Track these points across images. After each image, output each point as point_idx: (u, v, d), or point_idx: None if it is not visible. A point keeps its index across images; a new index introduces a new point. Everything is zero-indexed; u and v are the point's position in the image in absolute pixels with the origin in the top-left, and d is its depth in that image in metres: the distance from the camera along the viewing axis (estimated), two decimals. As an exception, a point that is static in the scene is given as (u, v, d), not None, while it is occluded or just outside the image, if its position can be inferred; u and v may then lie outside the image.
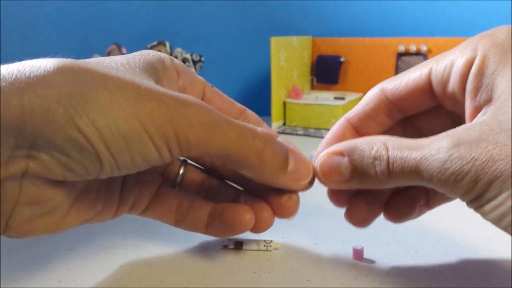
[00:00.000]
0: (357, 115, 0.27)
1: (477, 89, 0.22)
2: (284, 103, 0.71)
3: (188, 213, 0.27)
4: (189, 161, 0.30)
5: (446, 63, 0.24)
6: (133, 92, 0.20)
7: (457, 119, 0.26)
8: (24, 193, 0.20)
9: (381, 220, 0.27)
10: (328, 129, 0.71)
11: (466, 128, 0.20)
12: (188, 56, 0.71)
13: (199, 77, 0.28)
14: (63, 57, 0.21)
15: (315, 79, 0.80)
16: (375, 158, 0.22)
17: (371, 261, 0.28)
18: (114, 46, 0.69)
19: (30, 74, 0.19)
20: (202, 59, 0.72)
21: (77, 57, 0.22)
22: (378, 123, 0.27)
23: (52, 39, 0.84)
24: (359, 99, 0.74)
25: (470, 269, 0.27)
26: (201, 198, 0.28)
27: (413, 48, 0.71)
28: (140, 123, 0.20)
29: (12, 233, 0.21)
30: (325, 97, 0.71)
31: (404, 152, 0.21)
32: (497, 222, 0.19)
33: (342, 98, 0.70)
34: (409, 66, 0.72)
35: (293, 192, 0.26)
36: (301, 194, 0.26)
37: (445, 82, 0.24)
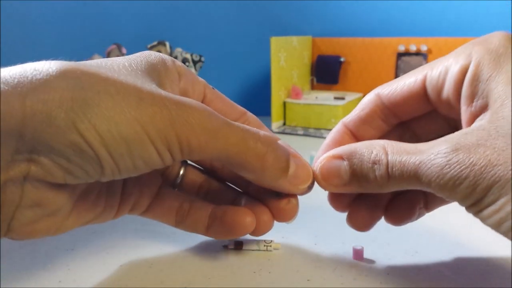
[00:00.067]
0: (353, 120, 0.27)
1: (472, 96, 0.22)
2: (284, 103, 0.71)
3: (189, 215, 0.27)
4: (189, 161, 0.30)
5: (441, 70, 0.24)
6: (135, 96, 0.20)
7: (453, 124, 0.26)
8: (25, 196, 0.20)
9: (381, 220, 0.27)
10: (328, 129, 0.71)
11: (464, 133, 0.21)
12: (188, 56, 0.71)
13: (200, 79, 0.28)
14: (64, 58, 0.21)
15: (315, 79, 0.80)
16: (374, 162, 0.22)
17: (371, 261, 0.28)
18: (114, 46, 0.69)
19: (32, 78, 0.19)
20: (202, 59, 0.72)
21: (77, 57, 0.22)
22: (374, 128, 0.27)
23: (52, 39, 0.84)
24: (359, 99, 0.74)
25: (470, 269, 0.27)
26: (201, 199, 0.28)
27: (413, 48, 0.71)
28: (142, 127, 0.20)
29: (13, 235, 0.21)
30: (325, 97, 0.71)
31: (403, 157, 0.21)
32: (496, 227, 0.19)
33: (342, 98, 0.70)
34: (409, 66, 0.72)
35: (292, 195, 0.26)
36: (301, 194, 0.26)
37: (439, 88, 0.24)
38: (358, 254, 0.28)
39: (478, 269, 0.27)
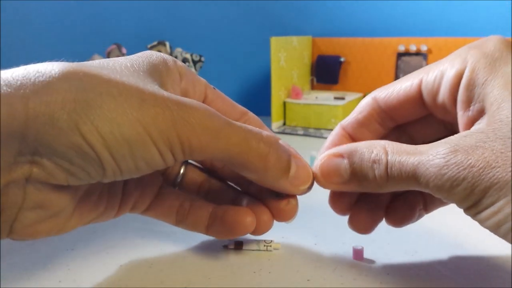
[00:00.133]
0: (351, 123, 0.28)
1: (469, 100, 0.22)
2: (284, 103, 0.71)
3: (189, 214, 0.27)
4: (189, 160, 0.30)
5: (436, 74, 0.24)
6: (137, 97, 0.20)
7: (450, 127, 0.26)
8: (28, 198, 0.20)
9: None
10: (328, 129, 0.71)
11: (463, 136, 0.21)
12: (188, 56, 0.71)
13: (201, 78, 0.28)
14: (65, 58, 0.21)
15: (315, 79, 0.80)
16: (374, 162, 0.22)
17: (371, 261, 0.28)
18: (114, 46, 0.69)
19: (35, 80, 0.19)
20: (202, 59, 0.72)
21: (77, 57, 0.22)
22: (371, 131, 0.27)
23: (52, 39, 0.84)
24: (359, 99, 0.74)
25: (470, 269, 0.27)
26: (201, 198, 0.28)
27: (413, 48, 0.71)
28: (144, 129, 0.20)
29: (16, 236, 0.21)
30: (325, 97, 0.71)
31: (402, 157, 0.21)
32: (495, 229, 0.19)
33: (342, 98, 0.70)
34: (409, 66, 0.72)
35: (292, 196, 0.26)
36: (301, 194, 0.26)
37: (435, 93, 0.24)
38: (358, 254, 0.28)
39: (478, 269, 0.27)
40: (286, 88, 0.72)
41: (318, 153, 0.28)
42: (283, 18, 0.86)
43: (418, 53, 0.71)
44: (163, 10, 0.89)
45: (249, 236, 0.29)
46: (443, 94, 0.24)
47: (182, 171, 0.29)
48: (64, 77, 0.19)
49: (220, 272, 0.27)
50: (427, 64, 0.71)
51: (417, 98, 0.25)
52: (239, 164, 0.23)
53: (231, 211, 0.26)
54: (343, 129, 0.28)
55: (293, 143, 0.28)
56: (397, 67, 0.74)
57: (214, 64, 0.82)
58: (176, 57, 0.70)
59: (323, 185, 0.25)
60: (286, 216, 0.27)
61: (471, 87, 0.22)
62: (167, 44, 0.70)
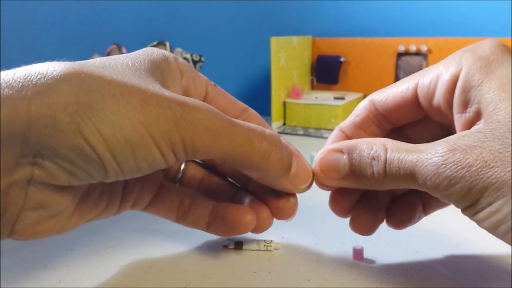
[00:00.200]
0: (349, 125, 0.28)
1: (465, 103, 0.22)
2: (284, 103, 0.71)
3: (190, 211, 0.27)
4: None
5: (432, 77, 0.24)
6: (139, 98, 0.20)
7: (447, 129, 0.26)
8: (29, 199, 0.20)
9: (381, 220, 0.27)
10: (328, 129, 0.71)
11: (462, 135, 0.21)
12: (188, 56, 0.71)
13: (202, 75, 0.28)
14: (65, 58, 0.21)
15: (315, 79, 0.80)
16: (373, 158, 0.23)
17: (371, 261, 0.28)
18: (114, 46, 0.69)
19: (37, 82, 0.19)
20: (202, 59, 0.73)
21: (77, 57, 0.22)
22: (369, 133, 0.27)
23: (52, 39, 0.84)
24: (359, 99, 0.74)
25: (470, 269, 0.27)
26: (202, 194, 0.29)
27: (413, 48, 0.71)
28: (146, 130, 0.20)
29: (17, 236, 0.21)
30: (325, 97, 0.71)
31: (401, 154, 0.22)
32: (493, 229, 0.19)
33: (342, 98, 0.70)
34: (409, 66, 0.72)
35: (291, 194, 0.26)
36: (301, 194, 0.26)
37: (430, 96, 0.25)
38: (358, 254, 0.28)
39: (478, 269, 0.27)
40: (286, 88, 0.72)
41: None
42: (283, 18, 0.86)
43: (418, 53, 0.71)
44: (163, 10, 0.89)
45: (249, 236, 0.29)
46: (439, 97, 0.24)
47: (182, 167, 0.29)
48: (65, 78, 0.19)
49: (220, 272, 0.27)
50: (427, 64, 0.71)
51: (414, 101, 0.25)
52: (241, 163, 0.23)
53: (232, 209, 0.26)
54: (341, 131, 0.28)
55: (293, 143, 0.28)
56: (397, 67, 0.74)
57: (214, 64, 0.82)
58: (176, 57, 0.70)
59: (322, 180, 0.25)
60: (285, 214, 0.27)
61: (467, 89, 0.22)
62: (167, 44, 0.70)
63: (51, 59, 0.21)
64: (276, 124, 0.70)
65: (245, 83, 0.91)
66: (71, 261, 0.28)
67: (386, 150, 0.22)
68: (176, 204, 0.28)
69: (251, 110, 0.29)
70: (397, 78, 0.74)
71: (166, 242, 0.31)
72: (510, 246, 0.19)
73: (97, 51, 0.70)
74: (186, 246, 0.30)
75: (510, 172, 0.18)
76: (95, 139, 0.19)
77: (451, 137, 0.21)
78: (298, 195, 0.27)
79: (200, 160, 0.30)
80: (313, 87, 0.81)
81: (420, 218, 0.27)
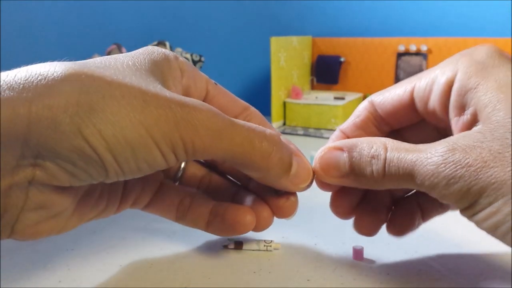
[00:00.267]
0: (349, 126, 0.28)
1: (461, 106, 0.23)
2: (284, 103, 0.71)
3: (189, 210, 0.27)
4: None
5: (428, 81, 0.25)
6: (140, 99, 0.20)
7: (443, 133, 0.26)
8: (30, 200, 0.20)
9: (381, 220, 0.27)
10: (328, 129, 0.70)
11: (462, 135, 0.21)
12: (188, 56, 0.71)
13: (203, 74, 0.28)
14: (66, 58, 0.21)
15: (315, 79, 0.80)
16: (373, 157, 0.23)
17: (371, 261, 0.28)
18: (114, 46, 0.69)
19: (37, 83, 0.19)
20: (202, 59, 0.73)
21: (77, 57, 0.22)
22: (369, 134, 0.28)
23: (52, 39, 0.84)
24: (359, 99, 0.74)
25: (470, 269, 0.27)
26: (202, 193, 0.28)
27: (413, 48, 0.71)
28: (147, 131, 0.20)
29: (17, 237, 0.21)
30: (325, 97, 0.71)
31: (401, 154, 0.22)
32: (492, 230, 0.19)
33: (342, 98, 0.70)
34: (409, 66, 0.72)
35: (292, 193, 0.26)
36: (301, 194, 0.26)
37: (426, 99, 0.25)
38: (358, 254, 0.28)
39: (478, 269, 0.27)
40: (286, 88, 0.72)
41: None
42: (283, 18, 0.86)
43: (418, 53, 0.71)
44: (163, 10, 0.89)
45: (249, 236, 0.29)
46: (434, 101, 0.24)
47: (183, 166, 0.29)
48: (66, 80, 0.19)
49: (220, 272, 0.27)
50: (427, 63, 0.71)
51: (410, 105, 0.26)
52: (242, 163, 0.23)
53: (232, 209, 0.26)
54: (342, 132, 0.28)
55: (293, 143, 0.28)
56: (397, 67, 0.74)
57: (214, 64, 0.82)
58: (176, 57, 0.70)
59: (322, 178, 0.25)
60: (285, 212, 0.27)
61: (463, 92, 0.22)
62: (167, 44, 0.70)
63: (51, 59, 0.21)
64: (276, 124, 0.70)
65: (245, 83, 0.91)
66: (71, 261, 0.28)
67: (386, 149, 0.22)
68: (175, 203, 0.28)
69: (252, 109, 0.29)
70: (397, 78, 0.74)
71: (166, 242, 0.31)
72: (510, 247, 0.19)
73: (97, 51, 0.70)
74: (186, 246, 0.30)
75: (510, 172, 0.18)
76: (96, 140, 0.19)
77: (451, 137, 0.21)
78: (298, 195, 0.27)
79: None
80: (313, 87, 0.81)
81: (419, 225, 0.27)
